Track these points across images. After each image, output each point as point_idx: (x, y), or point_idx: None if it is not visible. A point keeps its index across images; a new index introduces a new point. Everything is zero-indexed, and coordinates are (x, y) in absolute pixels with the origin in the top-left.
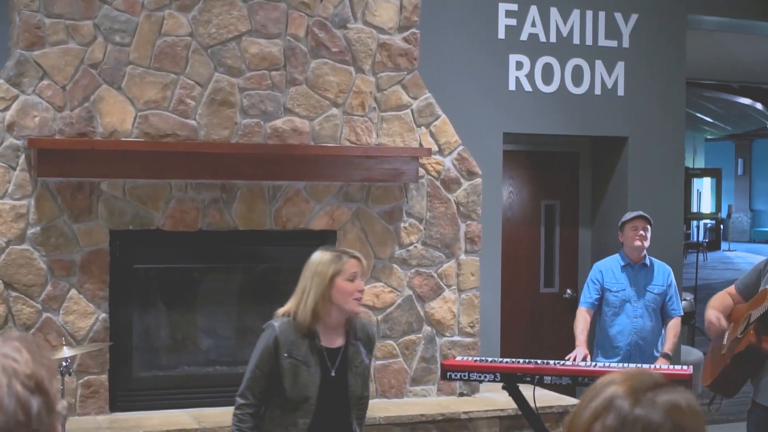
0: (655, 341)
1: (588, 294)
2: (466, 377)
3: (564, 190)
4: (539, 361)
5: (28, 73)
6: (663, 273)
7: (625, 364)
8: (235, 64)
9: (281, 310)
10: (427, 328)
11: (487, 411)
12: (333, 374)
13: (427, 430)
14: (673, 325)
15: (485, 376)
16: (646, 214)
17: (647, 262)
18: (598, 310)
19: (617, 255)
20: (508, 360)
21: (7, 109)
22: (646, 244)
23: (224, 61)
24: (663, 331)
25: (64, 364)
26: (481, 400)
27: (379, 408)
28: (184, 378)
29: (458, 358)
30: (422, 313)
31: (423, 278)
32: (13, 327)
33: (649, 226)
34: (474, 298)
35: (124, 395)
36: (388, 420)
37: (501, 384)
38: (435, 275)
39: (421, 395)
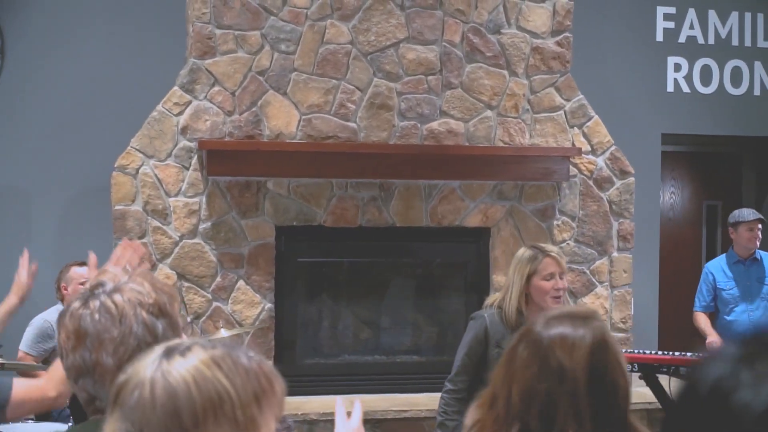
0: None
1: (701, 297)
2: None
3: (727, 191)
4: (676, 353)
5: (200, 80)
6: None
7: None
8: (393, 70)
9: (489, 300)
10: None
11: (634, 403)
12: None
13: None
14: None
15: None
16: (762, 217)
17: (757, 256)
18: (715, 310)
19: (726, 254)
20: (647, 352)
21: (181, 113)
22: (758, 243)
23: (383, 67)
24: None
25: None
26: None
27: None
28: (345, 366)
29: None
30: None
31: (575, 274)
32: (186, 315)
33: (761, 225)
34: (626, 294)
35: (288, 380)
36: None
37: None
38: (587, 272)
39: None
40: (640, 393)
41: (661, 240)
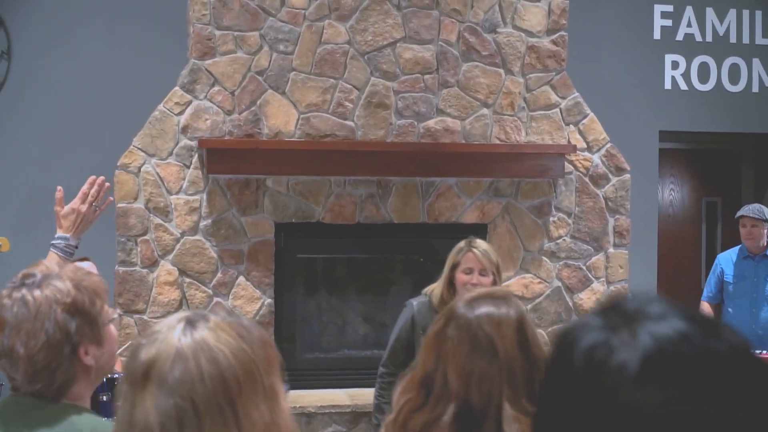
0: None
1: (708, 288)
2: None
3: (726, 188)
4: None
5: (201, 80)
6: None
7: None
8: (390, 69)
9: (427, 288)
10: (575, 318)
11: None
12: None
13: None
14: None
15: None
16: (750, 213)
17: None
18: (721, 302)
19: (739, 247)
20: None
21: (181, 113)
22: (763, 241)
23: (380, 66)
24: None
25: None
26: None
27: None
28: (345, 360)
29: None
30: (571, 304)
31: (572, 270)
32: (187, 310)
33: (762, 222)
34: (622, 290)
35: (289, 374)
36: None
37: None
38: (583, 267)
39: None
40: None
41: (660, 237)
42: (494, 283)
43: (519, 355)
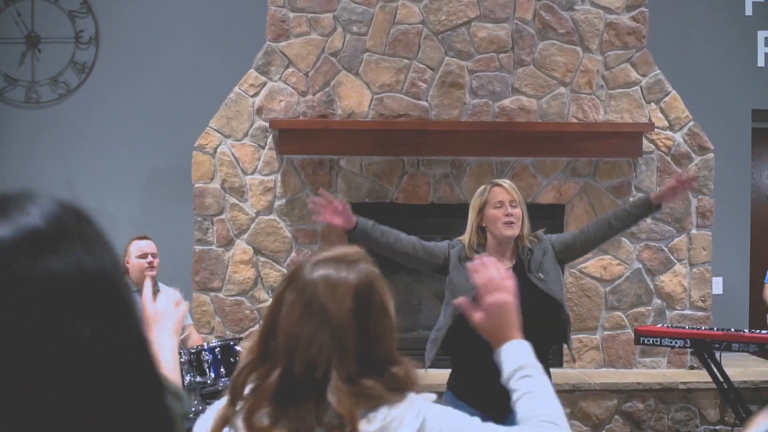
0: None
1: None
2: (658, 342)
3: None
4: (732, 329)
5: (275, 62)
6: None
7: None
8: (465, 48)
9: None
10: (656, 301)
11: (707, 383)
12: None
13: (644, 398)
14: None
15: (676, 342)
16: None
17: None
18: None
19: None
20: (702, 327)
21: (256, 94)
22: None
23: (454, 46)
24: None
25: None
26: (706, 374)
27: (600, 375)
28: (420, 340)
29: (658, 326)
30: (651, 286)
31: (652, 252)
32: (262, 288)
33: None
34: (705, 272)
35: None
36: (604, 387)
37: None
38: (665, 249)
39: (651, 367)
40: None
41: (756, 219)
42: (523, 217)
43: (353, 323)
